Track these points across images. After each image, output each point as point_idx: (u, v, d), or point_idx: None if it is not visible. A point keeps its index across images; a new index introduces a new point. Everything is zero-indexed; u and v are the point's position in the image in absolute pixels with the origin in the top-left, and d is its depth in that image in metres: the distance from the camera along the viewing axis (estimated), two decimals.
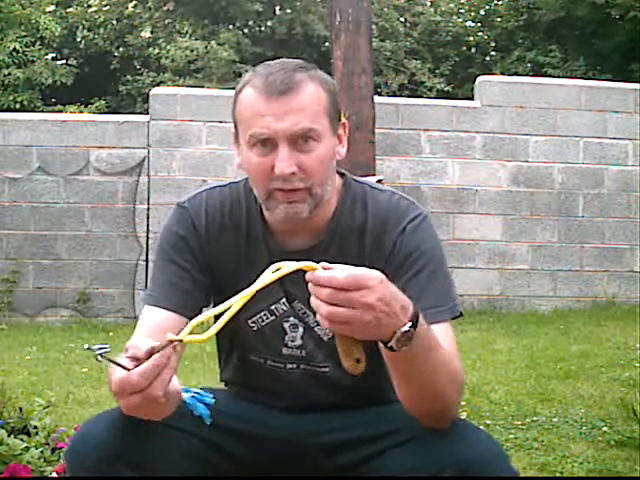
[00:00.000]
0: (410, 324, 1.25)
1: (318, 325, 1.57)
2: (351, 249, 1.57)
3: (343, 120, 1.55)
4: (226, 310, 1.21)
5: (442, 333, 1.46)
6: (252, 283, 1.58)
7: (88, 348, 1.19)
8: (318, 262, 1.55)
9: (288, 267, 1.23)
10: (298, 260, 1.56)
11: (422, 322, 1.29)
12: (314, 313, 1.56)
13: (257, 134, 1.45)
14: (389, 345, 1.26)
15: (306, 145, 1.45)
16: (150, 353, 1.17)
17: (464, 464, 1.35)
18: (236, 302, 1.21)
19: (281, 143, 1.44)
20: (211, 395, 1.26)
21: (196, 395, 1.27)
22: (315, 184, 1.48)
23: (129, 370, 1.16)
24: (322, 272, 1.21)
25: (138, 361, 1.17)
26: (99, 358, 1.17)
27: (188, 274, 1.56)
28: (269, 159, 1.46)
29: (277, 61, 1.52)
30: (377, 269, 1.52)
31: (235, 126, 1.53)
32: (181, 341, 1.19)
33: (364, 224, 1.57)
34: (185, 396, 1.25)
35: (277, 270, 1.23)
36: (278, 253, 1.57)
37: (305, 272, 1.24)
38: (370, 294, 1.20)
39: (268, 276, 1.23)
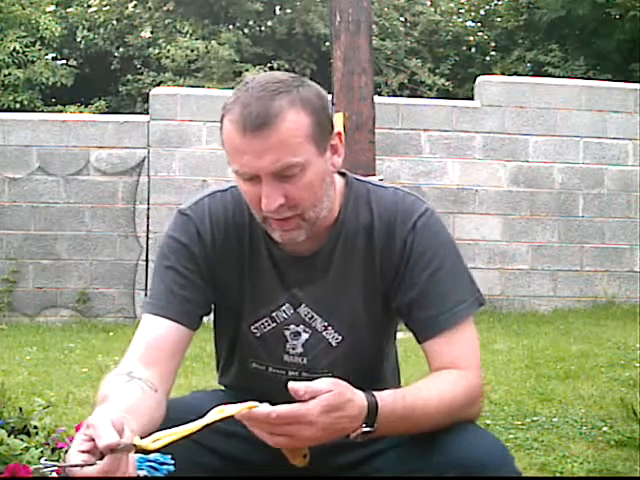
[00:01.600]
0: (365, 425, 1.31)
1: (326, 329, 1.57)
2: (358, 250, 1.55)
3: (337, 130, 1.49)
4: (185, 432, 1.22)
5: (460, 339, 1.49)
6: (255, 290, 1.58)
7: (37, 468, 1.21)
8: (323, 265, 1.55)
9: (230, 410, 1.24)
10: (301, 265, 1.55)
11: (385, 402, 1.33)
12: (322, 316, 1.57)
13: (240, 172, 1.43)
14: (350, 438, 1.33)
15: (291, 176, 1.41)
16: (109, 450, 1.13)
17: (468, 465, 1.34)
18: (182, 431, 1.21)
19: (264, 179, 1.41)
20: (172, 461, 1.25)
21: (153, 464, 1.24)
22: (306, 209, 1.45)
23: (82, 466, 1.14)
24: (261, 410, 1.24)
25: (93, 442, 1.15)
26: (50, 471, 1.18)
27: (189, 282, 1.53)
28: (257, 189, 1.43)
29: (259, 82, 1.41)
30: (389, 267, 1.53)
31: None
32: (145, 448, 1.18)
33: (371, 223, 1.55)
34: (141, 473, 1.22)
35: (221, 412, 1.24)
36: (282, 260, 1.56)
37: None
38: (308, 428, 1.26)
39: (213, 415, 1.24)
